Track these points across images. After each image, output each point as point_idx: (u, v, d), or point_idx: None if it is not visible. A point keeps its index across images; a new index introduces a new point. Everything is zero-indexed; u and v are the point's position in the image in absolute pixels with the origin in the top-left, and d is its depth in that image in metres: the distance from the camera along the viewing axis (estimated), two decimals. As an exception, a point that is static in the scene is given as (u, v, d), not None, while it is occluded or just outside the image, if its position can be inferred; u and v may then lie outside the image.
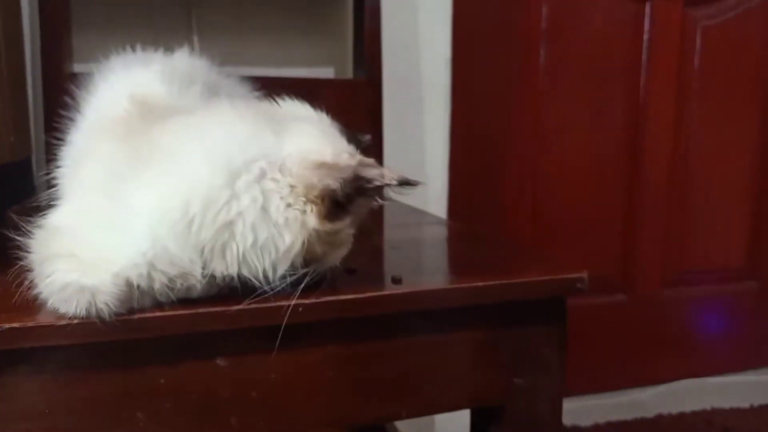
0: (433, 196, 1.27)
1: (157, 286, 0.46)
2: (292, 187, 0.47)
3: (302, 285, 0.48)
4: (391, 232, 0.83)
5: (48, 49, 0.92)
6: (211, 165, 0.46)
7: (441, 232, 0.83)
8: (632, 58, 1.44)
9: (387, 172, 0.48)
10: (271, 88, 1.02)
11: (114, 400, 0.48)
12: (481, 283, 0.54)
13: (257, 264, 0.47)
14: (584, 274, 0.56)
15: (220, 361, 0.50)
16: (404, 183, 0.49)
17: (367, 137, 0.54)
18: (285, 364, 0.52)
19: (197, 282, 0.47)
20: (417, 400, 0.56)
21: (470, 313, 0.55)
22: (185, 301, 0.48)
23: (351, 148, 0.51)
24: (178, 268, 0.46)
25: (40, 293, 0.45)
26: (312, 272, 0.49)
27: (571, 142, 1.43)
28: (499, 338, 0.57)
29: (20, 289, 0.45)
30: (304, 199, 0.47)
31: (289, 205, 0.47)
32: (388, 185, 0.48)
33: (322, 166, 0.47)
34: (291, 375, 0.52)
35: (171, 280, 0.46)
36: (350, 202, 0.48)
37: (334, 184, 0.47)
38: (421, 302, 0.54)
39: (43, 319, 0.44)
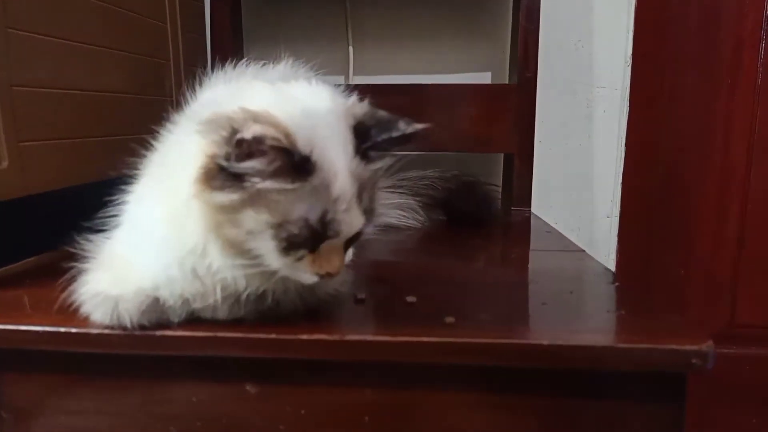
0: (601, 214, 1.11)
1: (178, 303, 0.45)
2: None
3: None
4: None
5: (221, 60, 0.99)
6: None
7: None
8: None
9: (267, 128, 0.37)
10: (419, 95, 0.99)
11: (149, 411, 0.49)
12: (534, 342, 0.42)
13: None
14: (704, 347, 0.41)
15: (250, 388, 0.48)
16: (288, 148, 0.38)
17: (418, 126, 0.43)
18: (317, 401, 0.47)
19: (216, 302, 0.45)
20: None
21: (536, 377, 0.45)
22: (216, 323, 0.46)
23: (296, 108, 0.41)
24: (193, 287, 0.44)
25: (76, 300, 0.46)
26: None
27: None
28: (579, 413, 0.45)
29: (64, 295, 0.47)
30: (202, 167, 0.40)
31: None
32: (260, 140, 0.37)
33: (211, 121, 0.39)
34: (323, 414, 0.47)
35: (186, 300, 0.45)
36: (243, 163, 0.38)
37: (214, 140, 0.39)
38: (470, 355, 0.44)
39: (77, 325, 0.46)
